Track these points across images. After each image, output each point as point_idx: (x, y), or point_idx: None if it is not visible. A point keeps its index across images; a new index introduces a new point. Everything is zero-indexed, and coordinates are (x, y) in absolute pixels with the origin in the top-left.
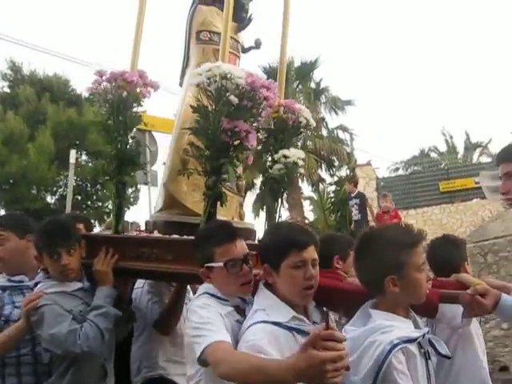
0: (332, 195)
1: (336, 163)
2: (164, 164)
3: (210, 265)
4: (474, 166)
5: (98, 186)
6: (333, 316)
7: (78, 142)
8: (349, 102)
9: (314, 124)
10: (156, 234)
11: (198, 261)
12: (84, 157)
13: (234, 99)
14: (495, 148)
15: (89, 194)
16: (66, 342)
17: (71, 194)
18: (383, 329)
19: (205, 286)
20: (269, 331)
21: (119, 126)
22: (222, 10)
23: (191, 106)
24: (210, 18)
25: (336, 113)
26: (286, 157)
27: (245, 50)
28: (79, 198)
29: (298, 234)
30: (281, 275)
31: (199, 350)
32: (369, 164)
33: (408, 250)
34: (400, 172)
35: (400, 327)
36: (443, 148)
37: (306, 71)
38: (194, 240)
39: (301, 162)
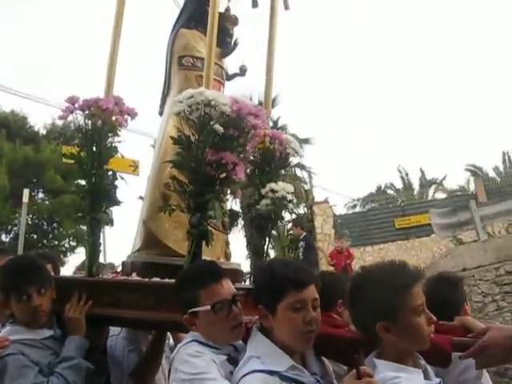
0: (291, 232)
1: (294, 201)
2: (141, 198)
3: (195, 309)
4: (429, 202)
5: (55, 225)
6: (332, 366)
7: (34, 180)
8: (307, 141)
9: (303, 155)
10: (134, 276)
11: (182, 306)
12: (41, 194)
13: (218, 128)
14: (450, 184)
15: (45, 233)
16: None
17: (23, 234)
18: (389, 381)
19: (193, 334)
20: (264, 382)
21: (93, 158)
22: (205, 35)
23: (171, 137)
24: (192, 42)
25: None
26: (273, 191)
27: (229, 77)
28: (35, 236)
29: (296, 272)
30: (277, 318)
31: None
32: (326, 201)
33: (402, 292)
34: (357, 209)
35: (407, 378)
36: (399, 185)
37: None
38: (177, 283)
39: (289, 197)
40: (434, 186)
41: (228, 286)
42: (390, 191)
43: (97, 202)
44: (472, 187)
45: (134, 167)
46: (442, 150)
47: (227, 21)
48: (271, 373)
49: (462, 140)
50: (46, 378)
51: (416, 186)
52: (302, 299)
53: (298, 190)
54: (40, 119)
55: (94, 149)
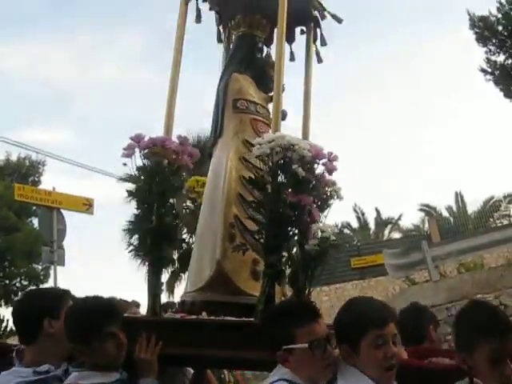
0: None
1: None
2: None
3: (291, 347)
4: (385, 242)
5: (6, 263)
6: None
7: None
8: None
9: (343, 197)
10: (205, 315)
11: (272, 343)
12: None
13: (300, 172)
14: (405, 223)
15: None
16: None
17: None
18: None
19: (281, 372)
20: None
21: (157, 197)
22: (254, 79)
23: (248, 179)
24: (245, 86)
25: None
26: (321, 231)
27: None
28: None
29: (378, 310)
30: (361, 355)
31: None
32: None
33: None
34: None
35: None
36: (355, 224)
37: None
38: (268, 320)
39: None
40: (389, 226)
41: (323, 325)
42: (346, 230)
43: (159, 241)
44: (426, 227)
45: (88, 205)
46: (396, 189)
47: (270, 67)
48: None
49: (415, 179)
50: None
51: (372, 225)
52: (384, 335)
53: None
54: None
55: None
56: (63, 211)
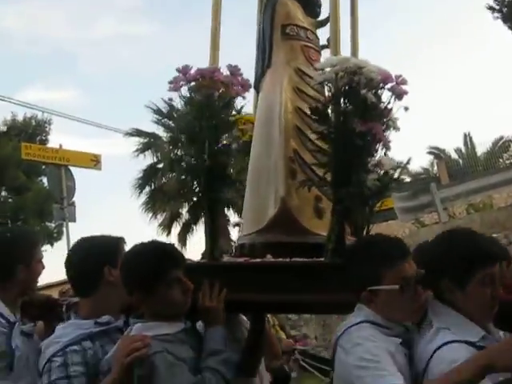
0: None
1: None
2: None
3: (379, 288)
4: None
5: (19, 223)
6: None
7: None
8: None
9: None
10: (270, 258)
11: (355, 283)
12: (3, 193)
13: (370, 97)
14: (414, 167)
15: None
16: None
17: None
18: None
19: (364, 313)
20: (463, 352)
21: (209, 133)
22: (299, 3)
23: (310, 108)
24: (293, 11)
25: None
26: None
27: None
28: None
29: (485, 246)
30: (467, 292)
31: None
32: None
33: None
34: None
35: None
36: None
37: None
38: (352, 259)
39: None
40: (398, 170)
41: (413, 264)
42: None
43: (213, 181)
44: (435, 170)
45: (95, 161)
46: (405, 132)
47: None
48: (467, 343)
49: (425, 122)
50: (199, 376)
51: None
52: (493, 273)
53: None
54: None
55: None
56: (71, 168)
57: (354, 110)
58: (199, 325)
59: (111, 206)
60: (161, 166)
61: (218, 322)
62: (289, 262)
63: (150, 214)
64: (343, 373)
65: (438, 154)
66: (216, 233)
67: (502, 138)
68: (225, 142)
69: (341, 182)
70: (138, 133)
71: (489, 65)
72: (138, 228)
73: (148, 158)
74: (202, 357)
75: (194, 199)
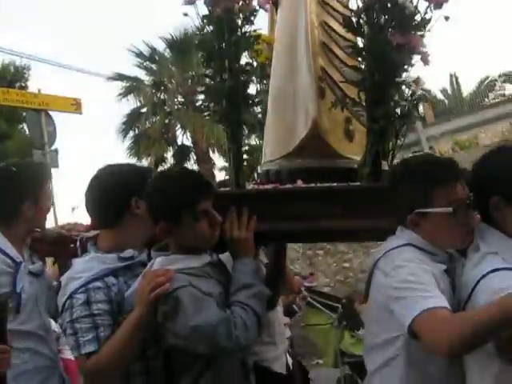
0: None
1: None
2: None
3: (431, 210)
4: None
5: None
6: None
7: None
8: None
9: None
10: (300, 184)
11: (402, 206)
12: None
13: (409, 5)
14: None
15: None
16: (216, 336)
17: None
18: None
19: (409, 237)
20: None
21: (229, 51)
22: None
23: (343, 19)
24: None
25: None
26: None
27: None
28: None
29: None
30: None
31: (410, 316)
32: None
33: None
34: None
35: None
36: None
37: None
38: (399, 180)
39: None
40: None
41: (464, 187)
42: None
43: (235, 103)
44: (421, 110)
45: (75, 105)
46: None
47: None
48: None
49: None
50: (228, 311)
51: None
52: None
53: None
54: None
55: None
56: (51, 113)
57: (390, 21)
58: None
59: (94, 151)
60: (144, 110)
61: (248, 254)
62: (329, 186)
63: (135, 159)
64: (380, 297)
65: (423, 94)
66: (240, 158)
67: (487, 77)
68: (245, 60)
69: (376, 101)
70: (120, 77)
71: (474, 4)
72: None
73: (131, 103)
74: (230, 291)
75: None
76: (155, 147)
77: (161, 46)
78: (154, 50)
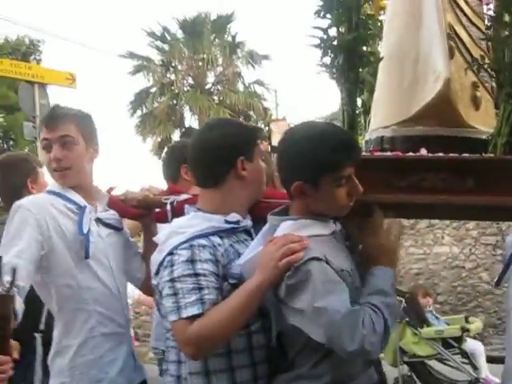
0: None
1: (253, 118)
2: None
3: None
4: None
5: (11, 142)
6: None
7: None
8: (266, 57)
9: None
10: (424, 152)
11: None
12: None
13: None
14: None
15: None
16: (341, 327)
17: None
18: None
19: None
20: None
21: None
22: None
23: None
24: None
25: (253, 67)
26: None
27: None
28: None
29: None
30: None
31: None
32: (284, 120)
33: None
34: None
35: None
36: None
37: (222, 24)
38: None
39: None
40: None
41: None
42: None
43: (353, 58)
44: None
45: (71, 80)
46: None
47: None
48: None
49: None
50: (360, 307)
51: None
52: None
53: (257, 107)
54: None
55: None
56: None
57: None
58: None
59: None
60: (153, 90)
61: (393, 265)
62: (465, 157)
63: (141, 138)
64: None
65: None
66: (355, 121)
67: None
68: (368, 12)
69: None
70: (130, 55)
71: None
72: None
73: (140, 81)
74: (363, 293)
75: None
76: (161, 128)
77: (173, 27)
78: (165, 29)
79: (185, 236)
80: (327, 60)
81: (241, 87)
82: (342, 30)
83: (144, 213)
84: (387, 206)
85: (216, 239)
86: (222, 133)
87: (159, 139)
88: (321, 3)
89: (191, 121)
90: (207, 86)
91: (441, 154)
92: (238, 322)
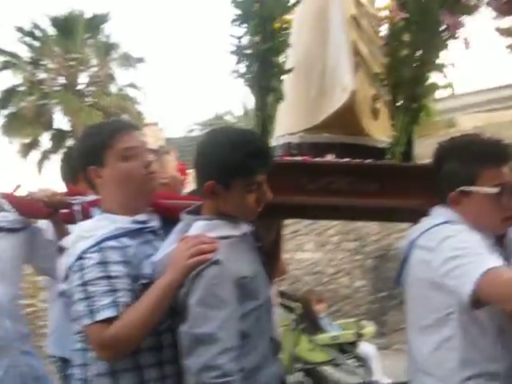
0: None
1: None
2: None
3: (475, 188)
4: None
5: None
6: None
7: None
8: (140, 60)
9: None
10: (330, 158)
11: (445, 184)
12: None
13: None
14: None
15: None
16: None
17: None
18: None
19: (445, 215)
20: None
21: (268, 10)
22: None
23: None
24: None
25: (127, 69)
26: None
27: None
28: None
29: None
30: None
31: (470, 282)
32: (155, 124)
33: None
34: (196, 134)
35: None
36: (240, 113)
37: (96, 24)
38: (443, 159)
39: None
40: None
41: (510, 171)
42: (228, 117)
43: (267, 68)
44: None
45: None
46: None
47: None
48: None
49: None
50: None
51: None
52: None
53: (130, 111)
54: None
55: None
56: None
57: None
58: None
59: None
60: (21, 88)
61: None
62: (373, 162)
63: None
64: (424, 275)
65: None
66: (267, 128)
67: None
68: (281, 23)
69: (418, 76)
70: None
71: None
72: None
73: (7, 79)
74: None
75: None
76: (29, 128)
77: (44, 24)
78: (35, 25)
79: (94, 239)
80: (242, 67)
81: (114, 89)
82: (257, 39)
83: (51, 212)
84: (297, 208)
85: (125, 240)
86: (76, 145)
87: (27, 140)
88: (238, 12)
89: (62, 122)
90: (79, 87)
91: (348, 160)
92: (151, 321)
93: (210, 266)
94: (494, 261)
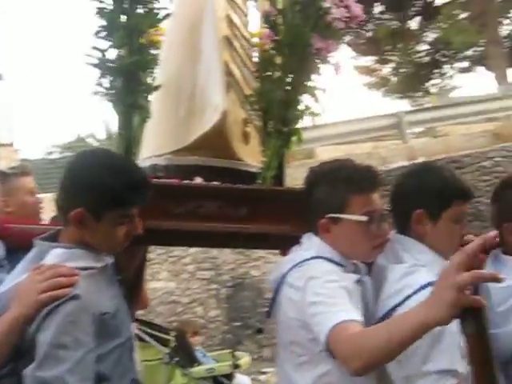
0: None
1: None
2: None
3: (344, 216)
4: None
5: None
6: None
7: None
8: None
9: None
10: (199, 180)
11: (313, 210)
12: None
13: (334, 12)
14: None
15: None
16: None
17: None
18: None
19: (318, 248)
20: None
21: (137, 22)
22: None
23: (265, 17)
24: None
25: None
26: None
27: None
28: None
29: (464, 183)
30: (438, 226)
31: (324, 333)
32: (11, 144)
33: None
34: (55, 156)
35: None
36: (103, 136)
37: None
38: (313, 185)
39: None
40: None
41: (379, 198)
42: (91, 140)
43: (133, 84)
44: None
45: None
46: None
47: None
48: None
49: None
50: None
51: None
52: (465, 212)
53: None
54: None
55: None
56: None
57: (306, 21)
58: None
59: None
60: None
61: None
62: (242, 186)
63: None
64: (295, 314)
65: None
66: (131, 148)
67: None
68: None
69: (291, 100)
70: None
71: None
72: None
73: None
74: None
75: None
76: None
77: None
78: None
79: None
80: (105, 82)
81: None
82: (122, 52)
83: None
84: (165, 233)
85: None
86: None
87: None
88: (103, 23)
89: None
90: None
91: (217, 183)
92: None
93: (67, 302)
94: (348, 313)
